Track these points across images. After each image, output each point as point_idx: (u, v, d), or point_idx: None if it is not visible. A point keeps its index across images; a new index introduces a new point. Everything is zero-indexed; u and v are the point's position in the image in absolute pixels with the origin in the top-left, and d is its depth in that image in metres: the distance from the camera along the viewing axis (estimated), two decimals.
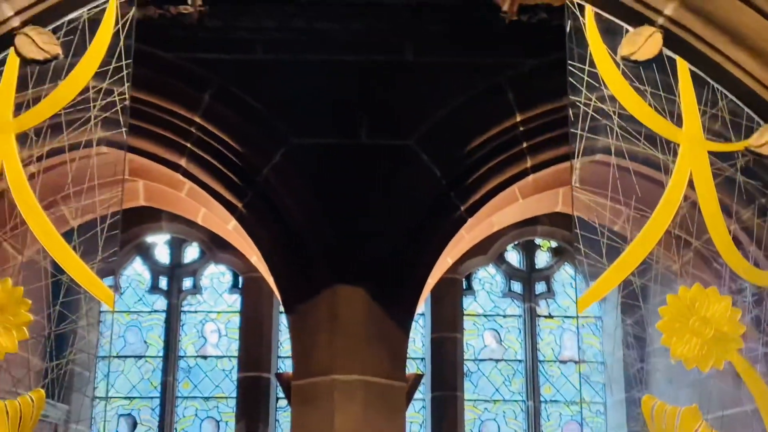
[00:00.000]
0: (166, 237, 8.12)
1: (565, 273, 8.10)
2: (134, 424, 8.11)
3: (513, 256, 8.24)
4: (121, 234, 7.66)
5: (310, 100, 4.72)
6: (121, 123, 2.58)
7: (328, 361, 4.45)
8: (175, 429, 8.02)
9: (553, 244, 8.01)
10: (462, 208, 4.66)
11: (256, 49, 4.87)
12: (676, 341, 2.35)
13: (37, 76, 2.53)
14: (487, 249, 7.90)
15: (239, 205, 4.71)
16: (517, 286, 8.26)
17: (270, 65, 4.88)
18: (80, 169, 2.90)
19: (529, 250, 8.24)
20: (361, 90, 4.86)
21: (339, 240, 4.53)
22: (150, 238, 8.13)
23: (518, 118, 4.65)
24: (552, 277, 8.24)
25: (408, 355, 7.91)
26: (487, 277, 8.32)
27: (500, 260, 8.26)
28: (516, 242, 8.01)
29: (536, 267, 8.25)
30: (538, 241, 8.11)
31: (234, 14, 4.64)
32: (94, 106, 2.64)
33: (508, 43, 4.39)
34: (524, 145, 4.76)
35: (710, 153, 2.46)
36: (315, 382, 4.47)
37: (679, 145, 2.43)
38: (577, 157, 2.54)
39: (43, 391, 2.42)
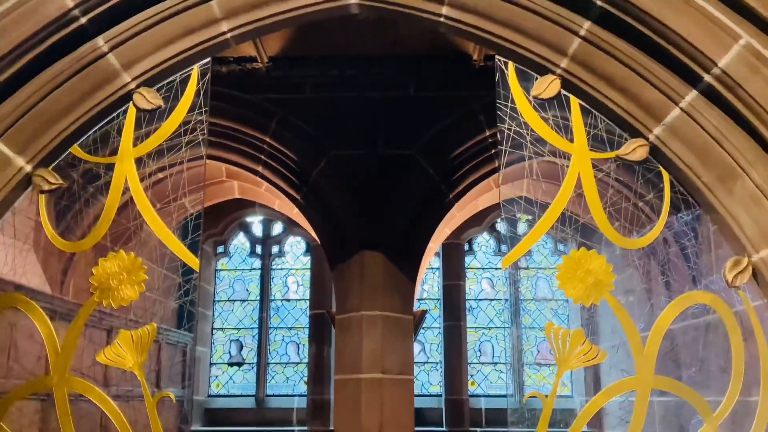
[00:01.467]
0: (260, 218, 8.33)
1: (544, 238, 8.14)
2: (240, 347, 8.33)
3: (501, 226, 8.34)
4: (223, 217, 7.83)
5: (344, 124, 4.84)
6: (202, 146, 2.61)
7: (358, 302, 4.59)
8: (269, 349, 8.25)
9: (529, 217, 8.07)
10: (450, 196, 4.74)
11: (306, 90, 4.98)
12: (568, 286, 2.43)
13: (147, 118, 2.61)
14: (482, 221, 8.02)
15: (298, 197, 4.85)
16: (504, 248, 8.35)
17: (315, 101, 5.00)
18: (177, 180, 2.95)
19: (511, 220, 8.31)
20: (379, 115, 4.95)
21: (365, 220, 4.66)
22: (249, 219, 8.34)
23: (487, 133, 4.76)
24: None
25: (428, 297, 8.12)
26: (483, 241, 8.45)
27: (492, 229, 8.37)
28: (503, 216, 8.05)
29: (518, 232, 8.30)
30: (518, 215, 8.13)
31: (289, 66, 4.75)
32: (185, 136, 2.67)
33: (478, 81, 4.47)
34: (492, 151, 4.80)
35: (593, 160, 2.50)
36: (350, 317, 4.63)
37: (571, 155, 2.49)
38: (502, 167, 2.61)
39: (155, 325, 2.47)
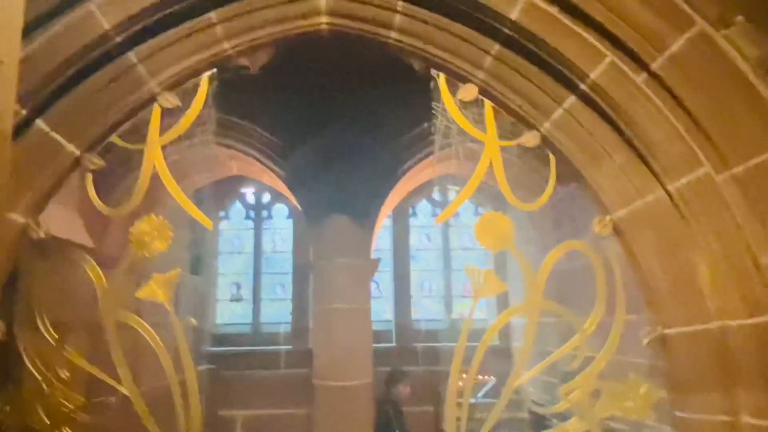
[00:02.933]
0: (252, 190, 8.30)
1: (466, 203, 8.29)
2: (239, 288, 8.33)
3: (436, 195, 8.47)
4: (225, 189, 7.75)
5: (319, 114, 4.76)
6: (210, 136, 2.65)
7: (329, 253, 4.68)
8: (261, 289, 8.29)
9: (456, 188, 8.21)
10: (398, 171, 4.79)
11: (291, 89, 4.80)
12: (483, 238, 2.56)
13: (169, 114, 2.64)
14: (422, 192, 8.17)
15: (282, 173, 4.81)
16: (438, 211, 8.50)
17: (295, 98, 4.83)
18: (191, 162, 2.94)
19: (444, 192, 8.49)
20: (343, 111, 4.80)
21: (334, 190, 4.70)
22: (243, 190, 8.31)
23: (425, 126, 4.78)
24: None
25: (382, 248, 8.24)
26: (423, 206, 8.55)
27: (430, 197, 8.49)
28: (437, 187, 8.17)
29: (449, 199, 8.46)
30: (449, 186, 8.29)
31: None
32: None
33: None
34: (429, 139, 4.78)
35: (501, 147, 2.61)
36: (323, 263, 4.73)
37: (484, 142, 2.60)
38: (436, 151, 2.71)
39: (179, 270, 2.56)
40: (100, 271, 2.57)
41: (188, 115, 2.62)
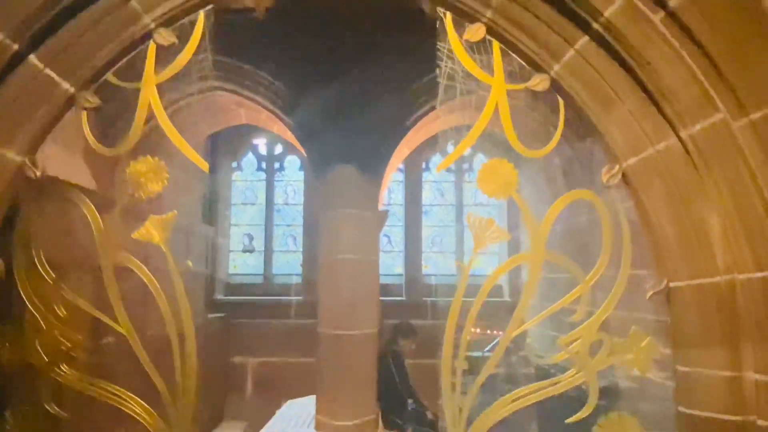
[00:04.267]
0: (264, 141, 8.24)
1: (479, 155, 8.15)
2: (251, 239, 8.37)
3: (451, 148, 8.32)
4: (237, 140, 7.70)
5: (324, 63, 4.63)
6: (208, 78, 2.58)
7: (337, 203, 4.61)
8: (273, 241, 8.31)
9: None
10: (407, 123, 4.67)
11: (302, 32, 4.58)
12: (486, 185, 2.47)
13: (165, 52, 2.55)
14: (436, 145, 8.02)
15: (291, 122, 4.70)
16: (452, 166, 8.38)
17: (303, 43, 4.58)
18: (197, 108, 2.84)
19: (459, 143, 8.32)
20: (351, 57, 4.64)
21: (341, 140, 4.59)
22: (255, 141, 8.25)
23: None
24: (473, 158, 8.29)
25: (394, 203, 8.18)
26: (436, 160, 8.42)
27: (444, 152, 8.35)
28: (452, 140, 8.03)
29: (464, 154, 8.32)
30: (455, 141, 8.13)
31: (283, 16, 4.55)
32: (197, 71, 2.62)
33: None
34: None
35: (508, 91, 2.49)
36: (331, 215, 4.66)
37: (491, 85, 2.48)
38: (441, 94, 2.60)
39: (175, 212, 2.51)
40: (97, 213, 2.53)
41: (185, 53, 2.52)
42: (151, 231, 2.44)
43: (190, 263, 2.56)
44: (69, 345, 2.44)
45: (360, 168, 4.52)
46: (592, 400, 2.37)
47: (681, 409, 2.40)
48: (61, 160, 3.23)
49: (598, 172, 2.53)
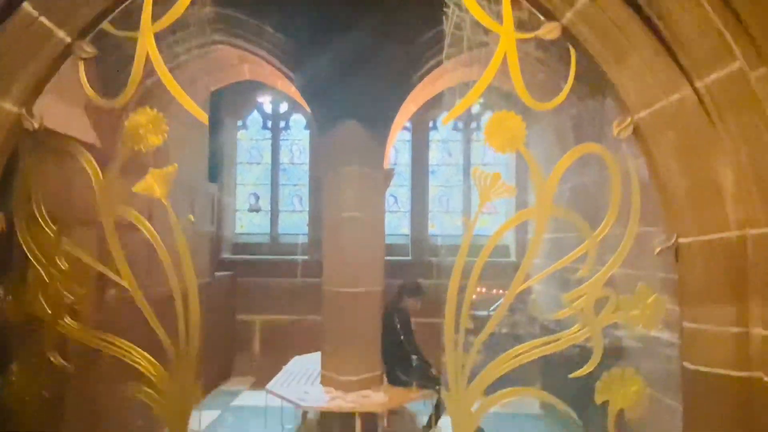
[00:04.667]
0: (269, 99, 8.14)
1: (488, 114, 8.02)
2: (257, 198, 8.37)
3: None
4: (242, 98, 7.60)
5: (329, 17, 4.50)
6: (209, 31, 2.49)
7: (342, 160, 4.55)
8: (279, 201, 8.29)
9: (480, 99, 7.91)
10: (414, 77, 4.57)
11: None
12: (493, 138, 2.41)
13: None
14: (444, 103, 7.89)
15: (293, 76, 4.61)
16: (460, 124, 8.27)
17: None
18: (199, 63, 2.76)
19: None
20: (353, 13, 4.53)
21: (346, 94, 4.50)
22: (260, 99, 8.15)
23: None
24: (481, 116, 8.17)
25: (401, 163, 8.11)
26: (443, 119, 8.28)
27: (450, 109, 8.22)
28: (459, 97, 7.90)
29: (472, 112, 8.21)
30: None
31: None
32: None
33: None
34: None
35: (517, 41, 2.40)
36: (336, 172, 4.61)
37: (500, 35, 2.39)
38: (447, 39, 2.51)
39: (176, 165, 2.45)
40: (97, 167, 2.49)
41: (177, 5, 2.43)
42: (152, 184, 2.41)
43: (191, 217, 2.53)
44: (72, 298, 2.44)
45: (365, 124, 4.44)
46: (597, 356, 2.36)
47: (686, 365, 2.38)
48: (60, 112, 3.19)
49: (608, 130, 2.46)
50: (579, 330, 2.38)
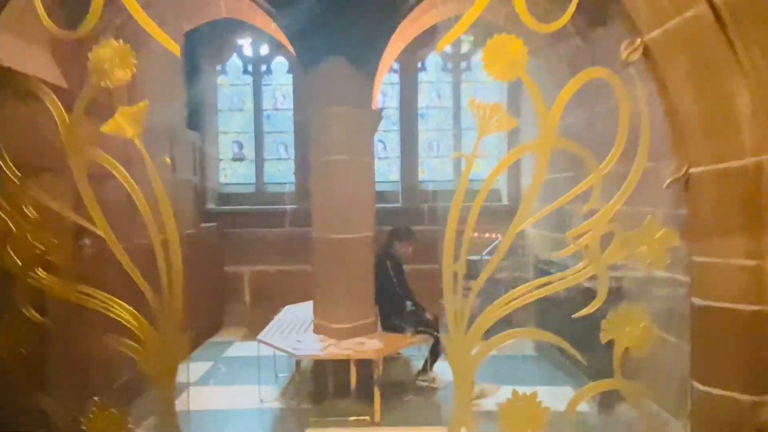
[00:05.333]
0: (249, 40, 7.82)
1: (479, 54, 7.79)
2: (241, 146, 8.16)
3: (447, 47, 7.93)
4: (220, 41, 7.25)
5: None
6: None
7: (328, 100, 4.35)
8: (264, 149, 8.08)
9: (471, 37, 7.67)
10: (402, 9, 4.32)
11: None
12: (491, 65, 2.23)
13: None
14: (432, 41, 7.63)
15: (273, 10, 4.35)
16: (449, 65, 8.01)
17: None
18: None
19: (456, 42, 7.92)
20: None
21: (330, 30, 4.26)
22: (240, 41, 7.83)
23: None
24: (471, 56, 7.93)
25: (389, 106, 7.88)
26: (432, 60, 8.04)
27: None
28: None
29: (461, 51, 7.95)
30: (462, 36, 7.73)
31: None
32: None
33: None
34: None
35: None
36: (322, 113, 4.41)
37: None
38: None
39: (146, 102, 2.25)
40: (62, 107, 2.30)
41: None
42: (121, 124, 2.22)
43: (168, 159, 2.35)
44: (42, 248, 2.29)
45: (352, 61, 4.22)
46: (602, 295, 2.26)
47: (695, 301, 2.31)
48: (20, 50, 2.96)
49: (612, 62, 2.30)
50: (585, 268, 2.27)
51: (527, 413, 2.33)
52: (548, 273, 2.40)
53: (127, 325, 2.37)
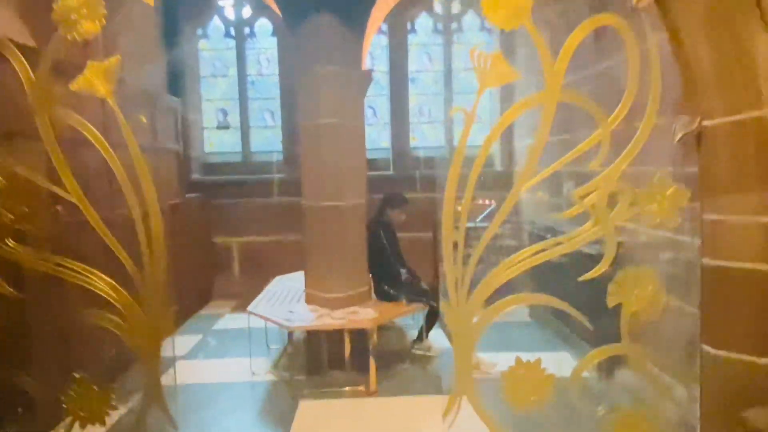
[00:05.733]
0: (231, 1, 7.56)
1: (471, 14, 7.61)
2: (225, 114, 7.95)
3: (438, 7, 7.71)
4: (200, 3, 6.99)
5: None
6: None
7: (314, 58, 4.17)
8: (249, 116, 7.87)
9: None
10: None
11: None
12: (492, 12, 2.09)
13: None
14: (423, 2, 7.46)
15: None
16: (440, 26, 7.79)
17: None
18: None
19: (446, 3, 7.69)
20: None
21: None
22: (221, 1, 7.57)
23: None
24: (462, 17, 7.71)
25: (378, 70, 7.67)
26: (423, 21, 7.80)
27: (430, 10, 7.73)
28: None
29: (452, 12, 7.73)
30: None
31: None
32: None
33: None
34: None
35: None
36: (309, 73, 4.23)
37: None
38: None
39: (119, 56, 2.10)
40: (28, 66, 2.13)
41: None
42: (92, 81, 2.06)
43: (143, 119, 2.20)
44: (12, 217, 2.14)
45: (340, 17, 4.02)
46: (609, 256, 2.16)
47: (706, 261, 2.21)
48: None
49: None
50: (591, 228, 2.17)
51: (531, 381, 2.26)
52: (545, 239, 2.30)
53: (109, 299, 2.24)
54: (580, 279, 2.23)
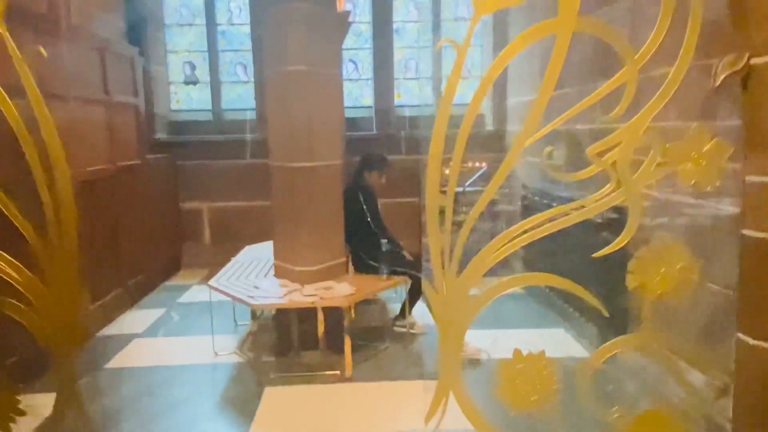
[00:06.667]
0: None
1: None
2: (193, 68, 7.42)
3: None
4: None
5: None
6: None
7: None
8: (220, 70, 7.37)
9: None
10: None
11: None
12: None
13: None
14: None
15: None
16: None
17: None
18: None
19: None
20: None
21: None
22: None
23: None
24: None
25: (360, 21, 7.16)
26: None
27: None
28: None
29: None
30: None
31: None
32: None
33: None
34: None
35: None
36: (282, 11, 3.75)
37: None
38: None
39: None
40: None
41: None
42: None
43: (42, 50, 1.75)
44: None
45: None
46: (633, 226, 1.78)
47: (748, 233, 1.84)
48: None
49: None
50: (611, 192, 1.78)
51: (532, 377, 1.90)
52: (542, 205, 1.92)
53: (9, 280, 1.83)
54: (596, 255, 1.85)
